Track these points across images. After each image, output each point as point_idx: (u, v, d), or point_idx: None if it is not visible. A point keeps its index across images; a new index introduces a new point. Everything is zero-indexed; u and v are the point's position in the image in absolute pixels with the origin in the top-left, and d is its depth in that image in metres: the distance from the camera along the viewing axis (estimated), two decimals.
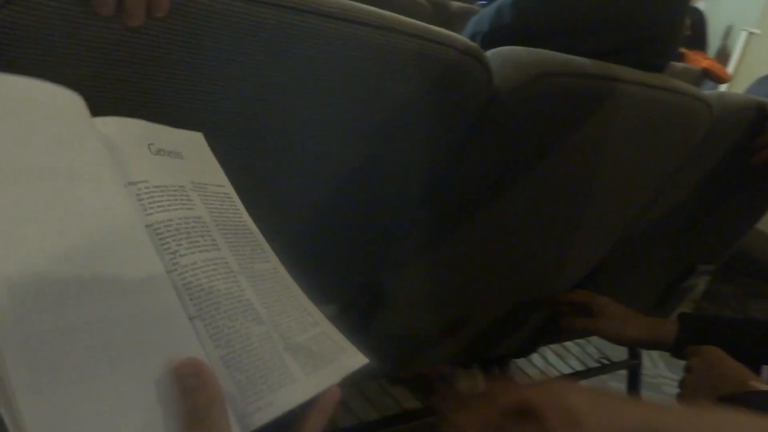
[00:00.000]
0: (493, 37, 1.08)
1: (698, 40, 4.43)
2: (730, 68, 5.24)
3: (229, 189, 0.59)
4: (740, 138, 1.26)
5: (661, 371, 2.41)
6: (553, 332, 1.49)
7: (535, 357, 1.98)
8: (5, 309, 0.37)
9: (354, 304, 1.03)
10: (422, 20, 0.80)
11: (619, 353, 2.05)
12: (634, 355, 2.01)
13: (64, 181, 0.44)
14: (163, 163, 0.53)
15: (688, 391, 1.03)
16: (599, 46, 1.02)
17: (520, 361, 1.97)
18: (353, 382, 1.55)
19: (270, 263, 0.57)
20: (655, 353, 2.55)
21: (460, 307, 1.24)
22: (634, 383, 2.01)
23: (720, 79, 4.16)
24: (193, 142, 0.59)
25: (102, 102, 0.55)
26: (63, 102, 0.48)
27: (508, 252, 1.15)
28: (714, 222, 1.50)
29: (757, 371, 1.04)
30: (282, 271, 0.57)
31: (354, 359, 0.55)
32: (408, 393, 1.84)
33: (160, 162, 0.53)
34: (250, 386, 0.46)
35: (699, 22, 4.49)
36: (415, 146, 0.87)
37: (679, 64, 3.92)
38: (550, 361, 2.06)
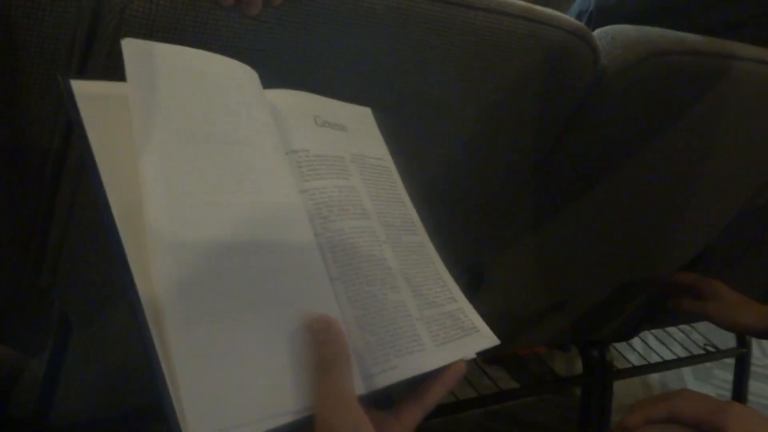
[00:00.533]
0: (600, 15, 1.07)
1: None
2: None
3: (389, 163, 0.61)
4: None
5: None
6: (657, 316, 1.47)
7: (635, 341, 1.95)
8: (165, 250, 0.41)
9: (458, 281, 1.04)
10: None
11: (726, 341, 1.99)
12: (743, 344, 1.95)
13: (229, 145, 0.47)
14: (326, 134, 0.56)
15: None
16: (714, 22, 0.99)
17: (620, 346, 1.95)
18: None
19: (418, 236, 0.59)
20: (766, 343, 2.47)
21: (560, 289, 1.24)
22: (741, 373, 1.96)
23: None
24: (359, 116, 0.62)
25: None
26: (236, 74, 0.52)
27: (612, 233, 1.15)
28: None
29: None
30: (429, 245, 0.59)
31: (486, 339, 0.56)
32: (504, 373, 1.85)
33: (323, 133, 0.56)
34: (379, 348, 0.48)
35: None
36: (525, 125, 0.87)
37: None
38: (651, 346, 2.02)
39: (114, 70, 0.59)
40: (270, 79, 0.57)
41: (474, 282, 1.06)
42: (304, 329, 0.45)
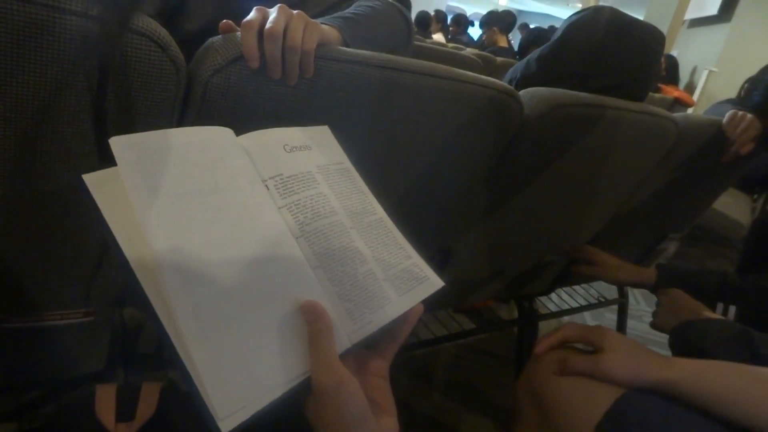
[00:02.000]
0: (524, 81, 1.06)
1: (671, 77, 4.18)
2: (695, 97, 4.94)
3: (348, 164, 0.56)
4: (700, 145, 1.20)
5: (642, 306, 2.32)
6: (567, 277, 1.46)
7: (553, 295, 1.95)
8: (176, 277, 0.38)
9: (431, 260, 1.04)
10: (475, 71, 0.79)
11: (612, 293, 1.98)
12: (623, 295, 1.94)
13: (212, 194, 0.44)
14: (295, 157, 0.52)
15: (659, 320, 1.00)
16: (599, 86, 0.99)
17: (543, 298, 1.95)
18: (431, 310, 1.57)
19: (376, 215, 0.55)
20: (638, 293, 2.46)
21: (501, 260, 1.23)
22: (622, 315, 1.95)
23: (687, 105, 3.92)
24: (320, 134, 0.57)
25: None
26: (209, 137, 0.47)
27: (538, 220, 1.14)
28: (680, 203, 1.44)
29: (713, 308, 1.00)
30: (386, 220, 0.55)
31: (434, 282, 0.52)
32: (467, 319, 1.85)
33: (293, 157, 0.52)
34: (357, 310, 0.46)
35: (672, 64, 4.24)
36: (474, 154, 0.86)
37: (657, 95, 3.72)
38: (563, 298, 2.01)
39: (202, 121, 0.59)
40: (295, 124, 0.55)
41: (443, 259, 1.05)
42: (297, 313, 0.43)
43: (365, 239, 0.51)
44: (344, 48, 0.65)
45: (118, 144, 0.41)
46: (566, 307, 1.92)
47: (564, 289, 2.02)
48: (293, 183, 0.50)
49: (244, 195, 0.46)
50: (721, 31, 5.44)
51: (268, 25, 0.56)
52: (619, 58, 0.99)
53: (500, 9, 4.40)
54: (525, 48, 3.45)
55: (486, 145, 0.85)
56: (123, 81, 0.52)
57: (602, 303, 1.99)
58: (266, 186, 0.48)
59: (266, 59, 0.57)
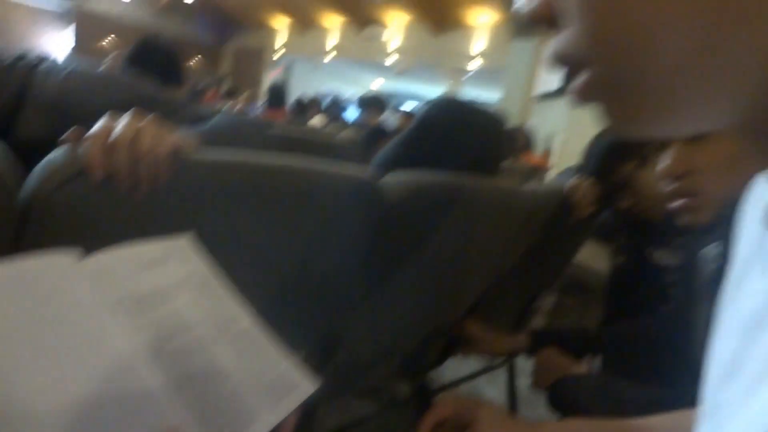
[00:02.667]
0: (387, 166, 1.12)
1: (528, 147, 4.63)
2: (551, 161, 5.49)
3: (209, 274, 0.53)
4: (552, 211, 1.32)
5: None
6: (454, 349, 1.50)
7: (448, 365, 1.96)
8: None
9: (318, 348, 1.02)
10: (350, 154, 0.82)
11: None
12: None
13: (49, 329, 0.40)
14: (150, 274, 0.49)
15: (536, 379, 1.06)
16: (455, 166, 1.07)
17: (438, 369, 1.96)
18: (327, 400, 1.52)
19: (243, 323, 0.51)
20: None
21: (388, 340, 1.24)
22: (511, 375, 2.01)
23: (545, 169, 4.35)
24: (177, 245, 0.54)
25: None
26: (49, 264, 0.44)
27: (416, 297, 1.17)
28: (545, 263, 1.56)
29: (580, 362, 1.07)
30: (254, 327, 0.52)
31: (306, 389, 0.50)
32: (363, 401, 1.81)
33: (147, 274, 0.48)
34: (227, 428, 0.43)
35: (527, 135, 4.71)
36: (341, 246, 0.88)
37: (517, 164, 4.10)
38: (458, 366, 2.04)
39: (45, 244, 0.55)
40: (151, 237, 0.53)
41: (327, 349, 1.04)
42: None
43: (231, 352, 0.48)
44: (201, 153, 0.66)
45: None
46: (462, 374, 1.96)
47: (457, 356, 2.06)
48: (147, 302, 0.47)
49: (88, 325, 0.42)
50: (565, 102, 6.19)
51: (114, 135, 0.55)
52: (470, 142, 1.09)
53: (373, 92, 4.69)
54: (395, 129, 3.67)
55: (351, 234, 0.88)
56: None
57: (494, 366, 2.06)
58: (116, 310, 0.45)
59: (114, 170, 0.55)
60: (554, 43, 0.26)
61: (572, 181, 1.35)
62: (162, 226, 0.61)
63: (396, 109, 5.89)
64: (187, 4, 10.20)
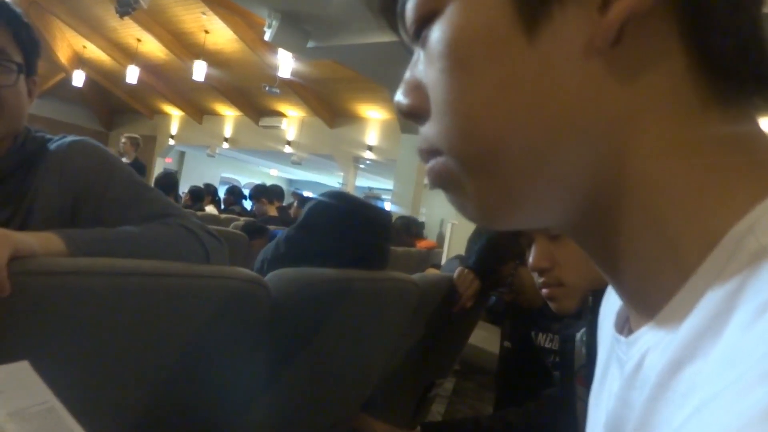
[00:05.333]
0: (274, 262, 1.10)
1: (419, 233, 4.81)
2: (445, 246, 5.72)
3: (53, 402, 0.48)
4: (440, 299, 1.35)
5: None
6: None
7: None
8: None
9: None
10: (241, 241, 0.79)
11: None
12: None
13: None
14: None
15: None
16: (343, 261, 1.07)
17: None
18: None
19: None
20: None
21: None
22: None
23: (434, 247, 4.55)
24: (16, 373, 0.48)
25: None
26: None
27: (312, 392, 1.11)
28: (438, 350, 1.57)
29: None
30: None
31: None
32: None
33: None
34: None
35: (417, 223, 4.90)
36: (227, 345, 0.83)
37: (413, 249, 4.22)
38: None
39: None
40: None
41: None
42: None
43: None
44: (58, 258, 0.60)
45: None
46: None
47: None
48: None
49: None
50: None
51: None
52: (358, 235, 1.10)
53: (270, 181, 4.68)
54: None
55: (237, 333, 0.84)
56: None
57: None
58: None
59: None
60: (419, 134, 0.30)
61: (458, 272, 1.40)
62: (6, 348, 0.54)
63: (296, 194, 5.92)
64: (75, 88, 9.77)
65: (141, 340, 0.69)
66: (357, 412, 1.33)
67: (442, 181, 0.30)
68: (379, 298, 1.09)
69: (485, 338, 3.32)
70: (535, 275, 0.89)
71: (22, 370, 0.49)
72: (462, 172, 0.28)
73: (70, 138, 0.87)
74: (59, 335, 0.59)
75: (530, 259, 0.88)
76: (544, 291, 0.87)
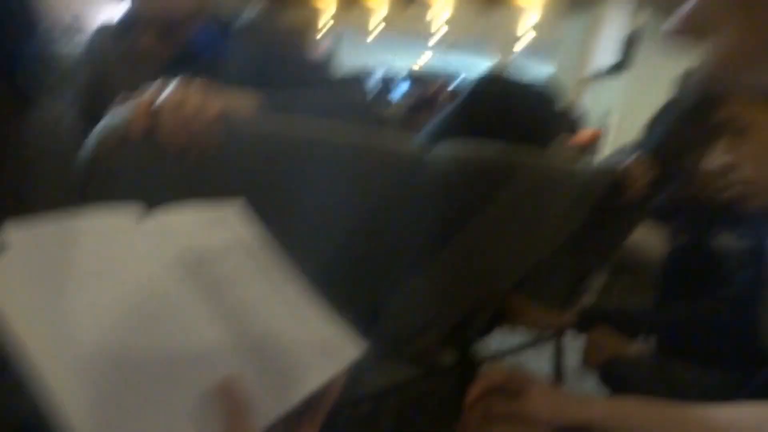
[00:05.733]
0: (435, 138, 1.10)
1: (576, 127, 4.52)
2: (603, 142, 5.30)
3: (261, 239, 0.54)
4: (604, 191, 1.27)
5: (581, 341, 2.37)
6: (501, 321, 1.48)
7: (494, 336, 1.94)
8: (72, 375, 0.35)
9: (362, 317, 1.02)
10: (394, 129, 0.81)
11: None
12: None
13: (113, 281, 0.41)
14: (209, 233, 0.49)
15: (586, 357, 1.03)
16: (505, 139, 1.03)
17: (485, 339, 1.94)
18: (369, 363, 1.52)
19: (293, 287, 0.52)
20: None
21: (434, 310, 1.23)
22: (559, 351, 1.97)
23: (592, 140, 4.23)
24: (232, 209, 0.54)
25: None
26: (110, 219, 0.44)
27: (462, 273, 1.15)
28: (597, 242, 1.51)
29: (634, 341, 1.04)
30: (303, 291, 0.53)
31: (353, 351, 0.50)
32: (408, 366, 1.81)
33: (206, 233, 0.49)
34: (278, 385, 0.44)
35: (575, 114, 4.60)
36: (388, 215, 0.87)
37: (564, 144, 3.98)
38: (504, 338, 2.02)
39: (103, 198, 0.56)
40: (202, 197, 0.52)
41: (373, 314, 1.04)
42: (213, 395, 0.40)
43: (283, 312, 0.49)
44: (254, 116, 0.65)
45: (8, 230, 0.38)
46: (507, 346, 1.93)
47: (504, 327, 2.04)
48: (207, 259, 0.47)
49: (150, 278, 0.43)
50: (622, 79, 5.92)
51: (160, 99, 0.55)
52: (521, 115, 1.05)
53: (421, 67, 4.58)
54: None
55: (398, 205, 0.86)
56: (17, 160, 0.50)
57: (541, 340, 2.02)
58: (176, 266, 0.45)
59: (162, 134, 0.55)
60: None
61: (628, 161, 1.28)
62: (214, 190, 0.62)
63: (444, 83, 5.80)
64: None
65: (317, 200, 0.74)
66: (508, 293, 1.35)
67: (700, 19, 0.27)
68: (543, 181, 1.05)
69: (647, 235, 3.09)
70: (719, 173, 0.82)
71: (235, 207, 0.55)
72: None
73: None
74: (255, 189, 0.65)
75: (714, 158, 0.83)
76: (731, 188, 0.79)
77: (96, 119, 0.56)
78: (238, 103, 0.64)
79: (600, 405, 0.68)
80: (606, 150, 4.75)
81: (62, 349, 0.36)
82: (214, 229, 0.51)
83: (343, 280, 0.90)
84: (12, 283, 0.36)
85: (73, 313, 0.38)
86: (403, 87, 5.54)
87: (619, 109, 5.64)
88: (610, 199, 1.28)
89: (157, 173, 0.57)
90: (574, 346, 2.26)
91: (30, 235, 0.39)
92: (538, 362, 2.12)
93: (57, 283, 0.38)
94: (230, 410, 0.40)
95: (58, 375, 0.35)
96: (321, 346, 0.49)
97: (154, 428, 0.37)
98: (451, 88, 4.74)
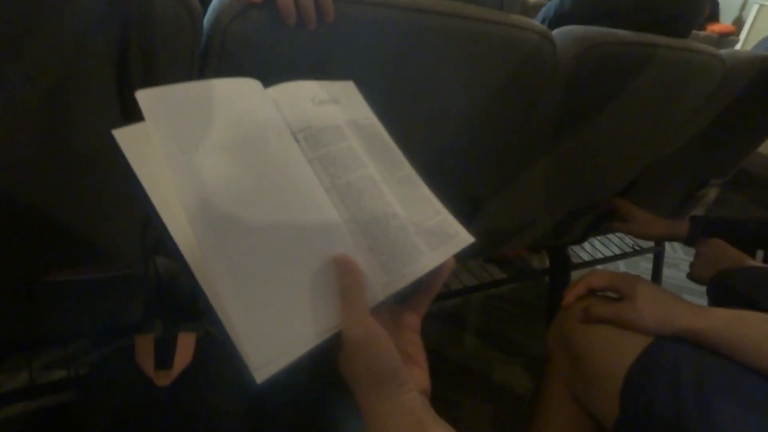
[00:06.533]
0: (558, 20, 1.00)
1: (713, 15, 3.97)
2: (743, 33, 4.67)
3: (374, 120, 0.54)
4: (747, 84, 1.12)
5: (680, 255, 2.27)
6: (599, 227, 1.43)
7: (586, 245, 1.92)
8: (209, 232, 0.37)
9: (462, 210, 1.02)
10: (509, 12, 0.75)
11: (648, 242, 1.94)
12: (659, 243, 1.90)
13: (240, 147, 0.42)
14: (324, 110, 0.50)
15: (696, 270, 0.98)
16: (638, 22, 0.93)
17: (575, 247, 1.92)
18: (462, 260, 1.57)
19: (405, 171, 0.53)
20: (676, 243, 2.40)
21: (534, 211, 1.21)
22: (658, 264, 1.91)
23: (729, 33, 3.72)
24: (346, 89, 0.55)
25: None
26: (236, 88, 0.45)
27: (574, 169, 1.10)
28: (722, 146, 1.37)
29: (752, 256, 0.96)
30: (414, 175, 0.53)
31: (465, 238, 0.51)
32: (498, 268, 1.84)
33: (321, 110, 0.50)
34: (391, 263, 0.45)
35: (714, 3, 4.02)
36: (506, 102, 0.82)
37: (702, 32, 3.52)
38: (597, 247, 1.98)
39: (224, 72, 0.58)
40: (322, 76, 0.53)
41: (473, 210, 1.04)
42: (329, 266, 0.42)
43: (395, 194, 0.50)
44: None
45: (145, 97, 0.39)
46: (599, 256, 1.90)
47: (598, 237, 1.99)
48: (323, 136, 0.48)
49: (274, 148, 0.44)
50: None
51: None
52: None
53: None
54: None
55: (518, 91, 0.82)
56: (142, 32, 0.51)
57: (637, 252, 1.96)
58: (296, 138, 0.46)
59: (278, 2, 0.54)
60: None
61: None
62: (330, 67, 0.61)
63: None
64: None
65: (431, 82, 0.72)
66: (615, 196, 1.29)
67: None
68: (677, 72, 0.94)
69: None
70: None
71: (349, 87, 0.55)
72: None
73: None
74: (366, 65, 0.64)
75: None
76: None
77: None
78: None
79: (716, 315, 0.65)
80: (746, 44, 4.19)
81: (198, 210, 0.38)
82: (331, 106, 0.51)
83: (450, 171, 0.90)
84: (152, 145, 0.39)
85: (206, 176, 0.40)
86: None
87: (764, 1, 4.87)
88: (754, 92, 1.14)
89: (277, 46, 0.57)
90: (673, 259, 2.20)
91: (162, 98, 0.40)
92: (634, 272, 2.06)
93: (192, 143, 0.40)
94: (347, 282, 0.41)
95: (197, 232, 0.37)
96: (432, 231, 0.49)
97: (279, 292, 0.39)
98: None
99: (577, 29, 0.83)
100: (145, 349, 0.76)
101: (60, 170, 0.60)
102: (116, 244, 0.75)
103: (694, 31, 3.48)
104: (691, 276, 1.00)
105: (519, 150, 0.96)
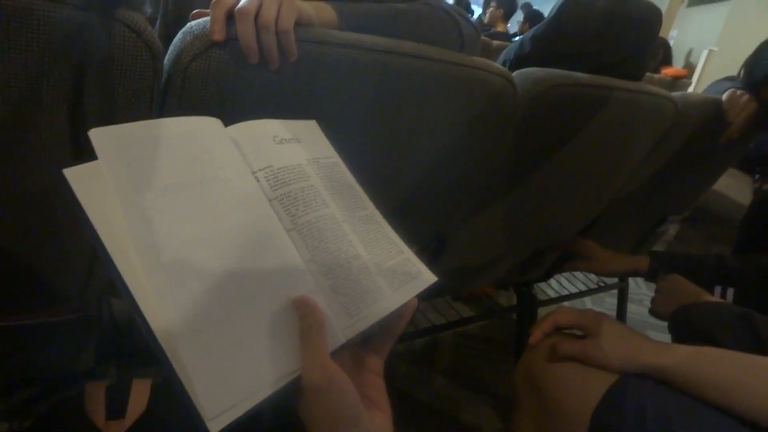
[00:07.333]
0: (518, 62, 1.04)
1: (666, 59, 4.18)
2: (695, 78, 4.93)
3: (337, 159, 0.54)
4: (699, 125, 1.18)
5: (643, 290, 2.31)
6: (563, 265, 1.46)
7: (552, 281, 1.94)
8: (162, 274, 0.36)
9: (427, 247, 1.03)
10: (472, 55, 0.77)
11: (613, 278, 1.97)
12: (623, 279, 1.94)
13: (198, 187, 0.42)
14: (285, 150, 0.50)
15: (657, 305, 0.99)
16: (595, 65, 0.97)
17: (542, 284, 1.94)
18: (429, 299, 1.56)
19: (368, 210, 0.53)
20: (639, 279, 2.46)
21: (499, 248, 1.22)
22: (622, 299, 1.94)
23: (682, 77, 3.93)
24: (308, 128, 0.55)
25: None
26: (195, 127, 0.45)
27: (535, 208, 1.12)
28: (679, 185, 1.42)
29: (711, 291, 0.99)
30: (377, 215, 0.53)
31: (427, 278, 0.50)
32: (465, 306, 1.84)
33: (283, 149, 0.50)
34: (352, 305, 0.44)
35: (666, 46, 4.25)
36: (468, 141, 0.84)
37: (656, 75, 3.70)
38: (563, 284, 2.01)
39: (185, 110, 0.57)
40: (285, 115, 0.53)
41: (439, 247, 1.04)
42: (289, 308, 0.41)
43: (357, 234, 0.49)
44: (332, 30, 0.63)
45: (98, 136, 0.39)
46: (566, 292, 1.92)
47: (564, 274, 2.02)
48: (284, 175, 0.47)
49: (233, 187, 0.44)
50: (720, 9, 5.40)
51: (239, 4, 0.54)
52: (616, 37, 0.97)
53: None
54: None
55: (480, 131, 0.83)
56: (100, 69, 0.51)
57: (602, 288, 1.99)
58: (256, 177, 0.46)
59: (239, 40, 0.55)
60: None
61: (729, 92, 1.18)
62: (292, 106, 0.61)
63: (525, 6, 5.48)
64: None
65: (396, 120, 0.73)
66: (577, 235, 1.32)
67: None
68: (631, 113, 0.98)
69: (730, 185, 2.90)
70: None
71: (311, 126, 0.55)
72: None
73: None
74: (330, 104, 0.65)
75: None
76: None
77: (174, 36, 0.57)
78: (314, 14, 0.62)
79: (678, 351, 0.66)
80: (702, 85, 4.42)
81: (151, 252, 0.37)
82: (292, 146, 0.51)
83: (414, 210, 0.90)
84: (105, 185, 0.38)
85: (161, 217, 0.39)
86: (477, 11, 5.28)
87: (713, 43, 5.18)
88: (705, 134, 1.20)
89: (238, 85, 0.57)
90: (636, 294, 2.24)
91: (117, 137, 0.40)
92: (599, 310, 2.09)
93: (147, 183, 0.39)
94: (307, 324, 0.40)
95: (150, 275, 0.36)
96: (393, 271, 0.49)
97: (236, 337, 0.38)
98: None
99: (537, 71, 0.86)
100: (96, 397, 0.73)
101: (9, 208, 0.58)
102: (68, 285, 0.72)
103: (649, 74, 3.66)
104: (653, 312, 1.01)
105: (481, 189, 0.98)
